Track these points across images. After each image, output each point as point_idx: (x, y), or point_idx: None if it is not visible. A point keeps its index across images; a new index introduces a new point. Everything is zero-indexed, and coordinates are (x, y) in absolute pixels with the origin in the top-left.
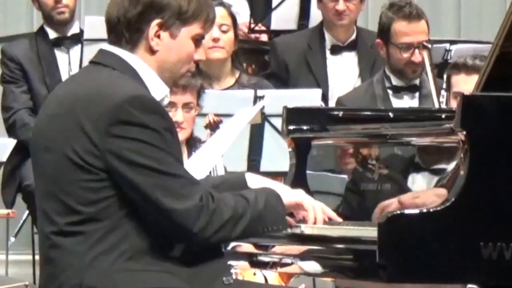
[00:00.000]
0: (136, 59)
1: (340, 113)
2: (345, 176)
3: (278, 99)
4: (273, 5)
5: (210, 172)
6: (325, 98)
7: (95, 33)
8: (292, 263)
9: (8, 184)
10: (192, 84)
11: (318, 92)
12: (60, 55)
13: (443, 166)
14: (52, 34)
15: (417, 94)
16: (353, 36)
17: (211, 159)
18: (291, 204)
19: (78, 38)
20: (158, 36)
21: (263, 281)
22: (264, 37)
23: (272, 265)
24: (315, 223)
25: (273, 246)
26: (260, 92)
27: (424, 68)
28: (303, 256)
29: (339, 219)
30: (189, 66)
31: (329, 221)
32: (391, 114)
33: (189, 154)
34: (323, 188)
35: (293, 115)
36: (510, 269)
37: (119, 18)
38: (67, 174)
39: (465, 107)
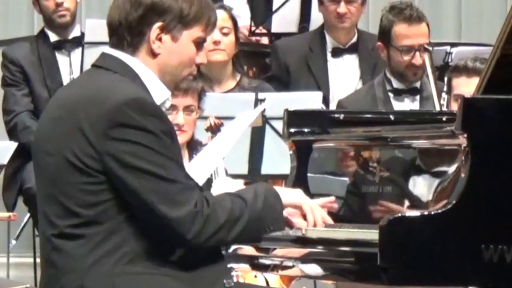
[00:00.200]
0: (137, 62)
1: (341, 116)
2: (346, 178)
3: (279, 102)
4: (274, 8)
5: (211, 175)
6: (326, 100)
7: (96, 36)
8: (293, 266)
9: (9, 187)
10: (193, 87)
11: (319, 94)
12: (61, 58)
13: (444, 168)
14: (53, 37)
15: (418, 97)
16: (354, 39)
17: (212, 162)
18: (290, 205)
19: (79, 41)
20: (160, 39)
21: (264, 284)
22: (265, 40)
23: (273, 268)
24: (314, 225)
25: (274, 249)
26: (261, 95)
27: (425, 70)
28: (304, 259)
29: (331, 221)
30: (191, 70)
31: (329, 224)
32: (392, 117)
33: (190, 157)
34: (324, 190)
35: (294, 117)
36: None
37: (120, 21)
38: (67, 177)
39: (466, 109)
